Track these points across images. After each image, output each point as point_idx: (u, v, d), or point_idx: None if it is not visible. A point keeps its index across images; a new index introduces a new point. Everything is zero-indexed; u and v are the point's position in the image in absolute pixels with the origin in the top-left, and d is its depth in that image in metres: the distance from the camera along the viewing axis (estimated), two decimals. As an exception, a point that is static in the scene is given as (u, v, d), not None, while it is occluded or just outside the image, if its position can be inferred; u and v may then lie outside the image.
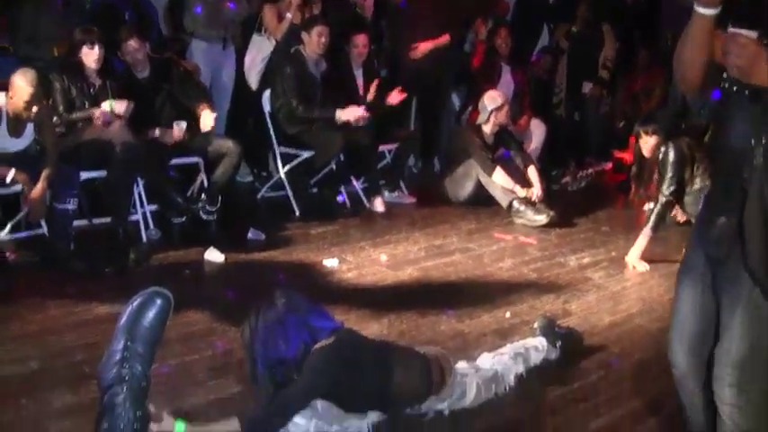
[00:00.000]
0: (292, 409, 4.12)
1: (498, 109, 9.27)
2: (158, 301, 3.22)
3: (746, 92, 3.13)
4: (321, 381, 4.17)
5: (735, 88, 3.18)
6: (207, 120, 8.01)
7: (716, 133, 3.40)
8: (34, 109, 6.56)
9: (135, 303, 3.23)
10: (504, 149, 9.44)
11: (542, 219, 8.75)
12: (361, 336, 4.73)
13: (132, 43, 7.94)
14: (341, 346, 4.25)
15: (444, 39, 10.36)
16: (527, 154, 9.63)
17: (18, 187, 6.82)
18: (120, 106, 7.44)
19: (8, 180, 6.62)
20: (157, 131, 7.90)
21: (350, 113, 8.93)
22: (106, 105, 7.42)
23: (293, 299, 4.42)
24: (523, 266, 7.47)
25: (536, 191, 9.02)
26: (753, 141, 3.10)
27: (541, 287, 6.91)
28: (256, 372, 4.30)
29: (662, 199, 7.54)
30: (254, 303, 4.50)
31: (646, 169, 8.02)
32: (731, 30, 3.07)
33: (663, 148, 7.69)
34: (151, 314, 3.18)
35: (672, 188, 7.56)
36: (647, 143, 7.85)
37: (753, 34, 3.02)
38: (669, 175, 7.58)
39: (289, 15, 9.50)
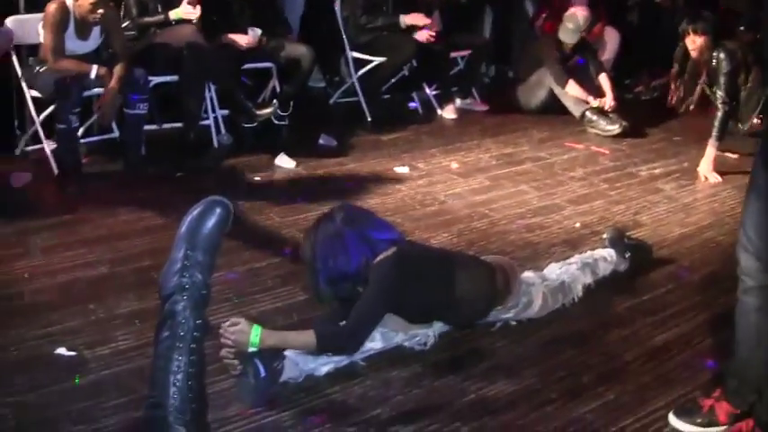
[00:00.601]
0: (365, 330, 4.09)
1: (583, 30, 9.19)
2: (218, 210, 3.21)
3: None
4: (386, 296, 4.14)
5: None
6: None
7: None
8: (100, 11, 6.57)
9: (194, 212, 3.22)
10: (579, 57, 9.30)
11: (615, 128, 8.65)
12: (421, 246, 4.73)
13: None
14: (401, 258, 4.20)
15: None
16: (600, 62, 9.49)
17: (96, 90, 6.86)
18: (188, 15, 7.41)
19: (92, 75, 6.65)
20: (231, 36, 7.86)
21: (414, 18, 8.80)
22: (173, 15, 7.40)
23: (351, 212, 4.38)
24: (594, 176, 7.39)
25: (609, 100, 8.90)
26: None
27: (612, 198, 6.84)
28: (319, 288, 4.28)
29: (721, 107, 7.38)
30: (321, 213, 4.49)
31: (689, 71, 7.83)
32: None
33: (715, 53, 7.46)
34: (210, 223, 3.17)
35: (728, 96, 7.39)
36: (695, 42, 7.57)
37: None
38: (724, 81, 7.40)
39: None
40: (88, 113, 7.33)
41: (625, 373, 4.24)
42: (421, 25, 8.87)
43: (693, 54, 7.61)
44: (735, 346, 3.70)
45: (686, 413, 3.85)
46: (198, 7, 7.44)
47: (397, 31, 8.88)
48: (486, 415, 3.86)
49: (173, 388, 2.97)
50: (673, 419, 3.84)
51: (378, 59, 8.88)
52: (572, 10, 9.28)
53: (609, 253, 5.24)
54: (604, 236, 5.48)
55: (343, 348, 4.11)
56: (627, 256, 5.26)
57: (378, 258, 4.17)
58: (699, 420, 3.79)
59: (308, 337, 3.96)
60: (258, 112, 7.66)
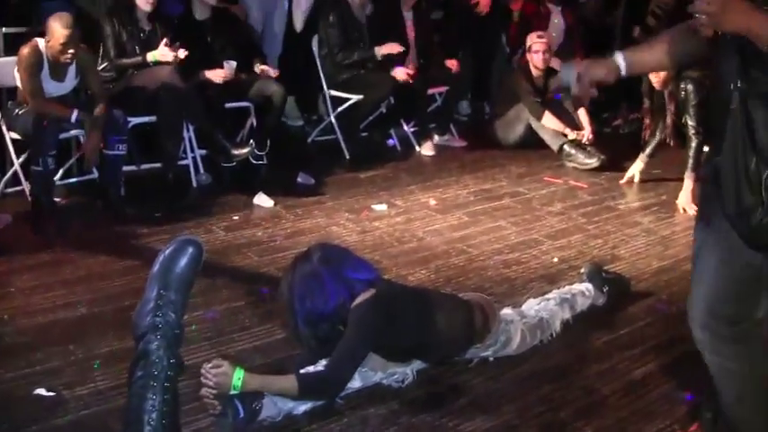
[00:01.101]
0: (346, 375, 4.09)
1: (533, 51, 9.27)
2: (190, 249, 3.22)
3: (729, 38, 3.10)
4: (366, 339, 4.13)
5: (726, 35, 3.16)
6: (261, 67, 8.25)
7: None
8: (70, 51, 6.59)
9: (166, 252, 3.24)
10: (555, 92, 9.36)
11: (593, 162, 8.70)
12: (399, 286, 4.70)
13: None
14: (380, 300, 4.18)
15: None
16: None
17: (70, 133, 6.90)
18: (164, 57, 7.44)
19: (73, 119, 6.70)
20: (207, 73, 7.88)
21: (389, 48, 8.85)
22: (150, 57, 7.44)
23: (328, 251, 4.36)
24: (573, 210, 7.43)
25: (587, 133, 8.95)
26: (731, 86, 3.07)
27: (590, 232, 6.87)
28: (297, 328, 4.27)
29: (694, 138, 7.40)
30: (297, 253, 4.49)
31: (656, 104, 7.88)
32: None
33: (682, 85, 7.46)
34: (183, 262, 3.19)
35: (699, 125, 7.40)
36: (658, 75, 7.59)
37: None
38: (693, 112, 7.38)
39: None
40: (66, 155, 7.35)
41: (604, 407, 4.25)
42: (395, 53, 8.92)
43: (657, 86, 7.66)
44: (710, 380, 3.73)
45: None
46: (177, 50, 7.47)
47: (374, 69, 8.95)
48: (463, 451, 3.89)
49: (147, 427, 2.99)
50: None
51: (355, 97, 8.92)
52: (531, 34, 9.45)
53: (587, 287, 5.25)
54: (582, 270, 5.49)
55: (326, 393, 4.11)
56: (605, 290, 5.28)
57: (356, 300, 4.15)
58: None
59: (290, 382, 3.95)
60: (235, 152, 7.68)
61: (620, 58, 3.56)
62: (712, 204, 3.25)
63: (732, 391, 3.50)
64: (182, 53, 7.46)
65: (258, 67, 8.27)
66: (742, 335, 3.36)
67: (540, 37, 9.35)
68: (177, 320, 3.16)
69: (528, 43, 9.38)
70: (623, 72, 3.56)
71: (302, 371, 4.14)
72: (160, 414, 3.01)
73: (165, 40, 7.45)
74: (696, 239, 3.50)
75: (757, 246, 3.11)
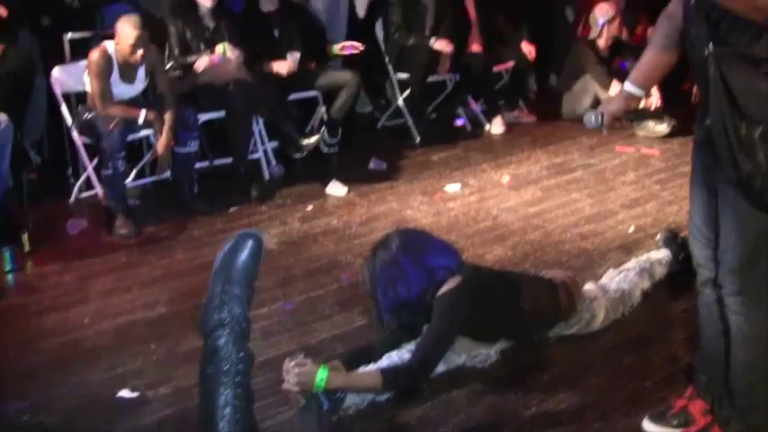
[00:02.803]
0: (432, 365, 4.10)
1: (610, 21, 9.09)
2: (249, 242, 3.24)
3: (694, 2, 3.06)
4: (453, 329, 4.15)
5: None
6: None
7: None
8: (140, 52, 6.62)
9: (226, 247, 3.25)
10: (621, 60, 9.27)
11: (664, 128, 8.62)
12: (484, 270, 4.65)
13: None
14: (465, 289, 4.17)
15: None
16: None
17: (142, 133, 6.97)
18: (232, 53, 7.47)
19: (141, 121, 6.74)
20: (273, 65, 7.91)
21: (441, 44, 8.76)
22: (219, 48, 7.46)
23: (407, 238, 4.32)
24: (646, 178, 7.38)
25: (655, 100, 8.83)
26: (706, 52, 3.02)
27: (665, 199, 6.82)
28: (381, 318, 4.26)
29: None
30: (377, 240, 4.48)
31: None
32: None
33: None
34: (243, 256, 3.20)
35: None
36: None
37: None
38: None
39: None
40: (139, 156, 7.42)
41: (688, 375, 4.21)
42: (447, 52, 8.91)
43: None
44: (701, 341, 3.72)
45: (661, 417, 3.83)
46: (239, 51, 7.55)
47: (419, 45, 8.92)
48: (549, 428, 3.87)
49: (221, 422, 3.01)
50: (648, 426, 3.83)
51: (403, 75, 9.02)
52: (600, 5, 9.29)
53: (664, 254, 5.20)
54: (657, 237, 5.45)
55: (411, 384, 4.10)
56: (681, 256, 5.21)
57: (442, 289, 4.14)
58: (675, 422, 3.78)
59: (374, 379, 3.95)
60: (305, 142, 7.70)
61: (630, 87, 3.71)
62: (713, 172, 3.22)
63: (747, 355, 3.46)
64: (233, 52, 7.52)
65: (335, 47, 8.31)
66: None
67: (609, 9, 9.21)
68: (243, 314, 3.17)
69: (596, 15, 9.24)
70: (639, 94, 3.69)
71: (385, 361, 4.15)
72: (233, 409, 3.02)
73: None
74: (699, 203, 3.46)
75: (766, 208, 3.07)
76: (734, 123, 2.97)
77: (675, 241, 5.33)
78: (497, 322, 4.37)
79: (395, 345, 4.28)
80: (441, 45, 8.87)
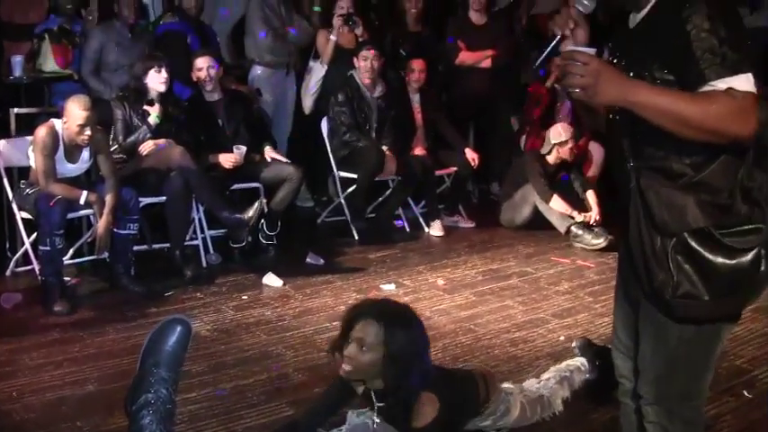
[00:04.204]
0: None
1: (561, 144, 9.24)
2: (178, 328, 3.29)
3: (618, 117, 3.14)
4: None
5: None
6: (271, 154, 8.31)
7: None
8: (87, 132, 6.68)
9: (155, 331, 3.30)
10: (564, 174, 9.42)
11: (601, 242, 8.72)
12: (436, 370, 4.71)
13: (204, 60, 8.19)
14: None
15: (490, 53, 10.46)
16: (586, 178, 9.60)
17: (82, 212, 6.99)
18: (153, 110, 7.64)
19: (81, 201, 6.75)
20: (219, 156, 7.99)
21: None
22: (152, 119, 7.58)
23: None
24: (580, 290, 7.45)
25: (594, 215, 8.99)
26: (628, 165, 3.12)
27: (597, 311, 6.88)
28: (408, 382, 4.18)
29: None
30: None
31: None
32: (569, 48, 3.03)
33: None
34: (172, 340, 3.24)
35: None
36: None
37: (591, 50, 2.97)
38: None
39: (332, 37, 9.60)
40: (77, 234, 7.43)
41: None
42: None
43: None
44: None
45: None
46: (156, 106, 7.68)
47: (367, 144, 9.03)
48: None
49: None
50: None
51: (353, 175, 9.07)
52: (556, 126, 9.42)
53: (582, 362, 5.24)
54: (573, 345, 5.48)
55: None
56: (597, 363, 5.25)
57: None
58: None
59: None
60: (245, 216, 7.61)
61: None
62: (633, 285, 3.30)
63: None
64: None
65: (268, 153, 8.34)
66: (695, 413, 3.38)
67: (564, 132, 9.34)
68: (169, 396, 3.20)
69: (550, 135, 9.38)
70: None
71: None
72: (156, 488, 3.04)
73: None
74: (621, 315, 3.54)
75: (678, 319, 3.13)
76: (649, 235, 3.05)
77: (591, 349, 5.35)
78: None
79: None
80: (419, 151, 9.15)
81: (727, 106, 2.83)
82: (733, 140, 2.88)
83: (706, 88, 2.86)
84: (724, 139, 2.87)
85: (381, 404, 4.20)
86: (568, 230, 8.97)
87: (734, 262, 2.99)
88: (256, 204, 7.68)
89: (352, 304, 4.43)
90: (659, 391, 3.33)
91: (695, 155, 2.97)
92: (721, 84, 2.84)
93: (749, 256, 2.99)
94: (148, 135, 7.57)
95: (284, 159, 8.44)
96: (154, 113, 7.61)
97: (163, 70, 7.68)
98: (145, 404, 3.12)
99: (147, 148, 7.48)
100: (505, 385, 4.79)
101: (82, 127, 6.66)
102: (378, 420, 4.21)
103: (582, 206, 9.15)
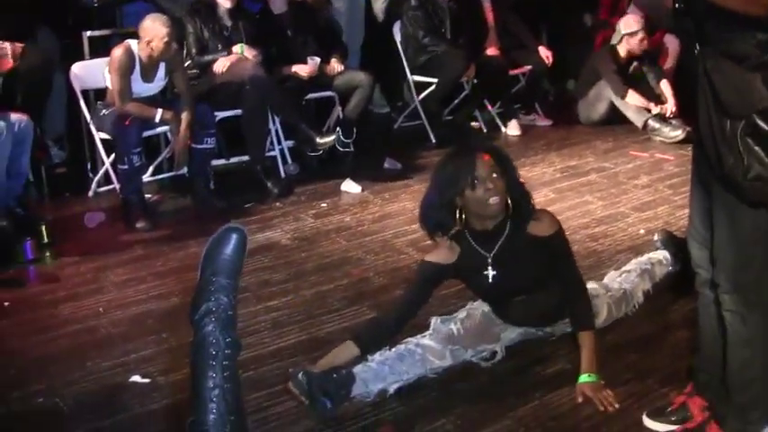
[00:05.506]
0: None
1: (631, 35, 9.13)
2: (233, 236, 3.31)
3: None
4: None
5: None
6: (336, 66, 8.24)
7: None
8: (174, 46, 6.81)
9: (211, 241, 3.34)
10: (639, 67, 9.30)
11: (679, 134, 8.65)
12: None
13: None
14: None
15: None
16: (661, 69, 9.48)
17: (159, 130, 7.08)
18: (249, 52, 7.58)
19: (157, 119, 6.84)
20: (294, 67, 8.00)
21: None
22: (237, 48, 7.57)
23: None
24: (659, 183, 7.41)
25: (670, 106, 8.90)
26: (695, 50, 3.08)
27: (676, 203, 6.83)
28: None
29: None
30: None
31: None
32: None
33: None
34: (229, 248, 3.27)
35: None
36: None
37: None
38: None
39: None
40: (156, 152, 7.53)
41: (689, 373, 4.24)
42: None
43: None
44: (700, 340, 3.75)
45: (660, 413, 3.86)
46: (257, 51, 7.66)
47: (449, 50, 8.97)
48: (550, 420, 3.93)
49: (210, 404, 3.06)
50: (648, 422, 3.86)
51: (434, 80, 8.98)
52: (627, 16, 9.32)
53: (664, 255, 5.21)
54: (655, 238, 5.45)
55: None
56: (679, 256, 5.20)
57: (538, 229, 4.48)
58: (673, 418, 3.80)
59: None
60: (320, 141, 7.73)
61: None
62: (706, 170, 3.26)
63: (743, 353, 3.48)
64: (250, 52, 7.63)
65: (334, 65, 8.30)
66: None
67: (635, 23, 9.23)
68: (230, 303, 3.23)
69: (620, 25, 9.30)
70: None
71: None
72: (222, 391, 3.08)
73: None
74: (696, 202, 3.51)
75: (750, 203, 3.12)
76: (719, 119, 3.02)
77: (673, 242, 5.32)
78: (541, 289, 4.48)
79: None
80: (492, 51, 9.12)
81: None
82: None
83: None
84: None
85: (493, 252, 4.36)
86: (645, 124, 8.90)
87: None
88: (332, 136, 7.71)
89: (441, 162, 4.46)
90: (735, 278, 3.32)
91: (761, 35, 2.94)
92: None
93: None
94: (225, 53, 7.59)
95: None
96: (237, 49, 7.62)
97: (230, -15, 7.68)
98: (206, 312, 3.15)
99: (221, 66, 7.50)
100: (590, 285, 4.71)
101: (167, 43, 6.74)
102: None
103: (657, 98, 9.06)
